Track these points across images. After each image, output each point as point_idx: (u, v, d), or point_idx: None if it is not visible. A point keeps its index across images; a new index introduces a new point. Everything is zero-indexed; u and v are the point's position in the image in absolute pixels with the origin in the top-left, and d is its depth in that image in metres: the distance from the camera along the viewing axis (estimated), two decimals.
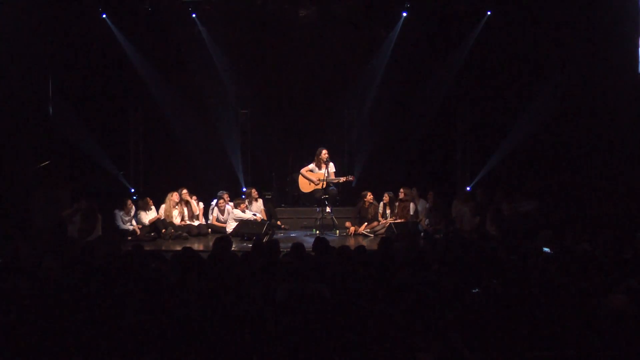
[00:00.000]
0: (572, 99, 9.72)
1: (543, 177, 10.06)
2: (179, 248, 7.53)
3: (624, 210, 8.50)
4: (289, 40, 10.97)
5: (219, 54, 11.00)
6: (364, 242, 8.47)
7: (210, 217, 9.77)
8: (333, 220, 9.34)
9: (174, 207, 9.33)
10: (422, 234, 8.98)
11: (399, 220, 9.28)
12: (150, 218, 9.22)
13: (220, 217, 9.61)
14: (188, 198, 9.58)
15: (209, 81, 10.97)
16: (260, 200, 9.99)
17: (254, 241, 7.78)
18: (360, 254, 5.19)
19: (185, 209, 9.53)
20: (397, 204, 9.52)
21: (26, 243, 6.60)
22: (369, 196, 9.50)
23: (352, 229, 9.38)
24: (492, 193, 9.43)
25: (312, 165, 9.52)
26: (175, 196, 9.35)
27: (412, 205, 9.44)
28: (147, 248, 6.21)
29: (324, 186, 9.26)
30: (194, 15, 10.62)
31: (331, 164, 9.44)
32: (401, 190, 9.46)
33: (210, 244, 8.34)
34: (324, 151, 9.39)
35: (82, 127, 10.15)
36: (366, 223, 9.43)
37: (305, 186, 9.52)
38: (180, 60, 10.86)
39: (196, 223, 9.54)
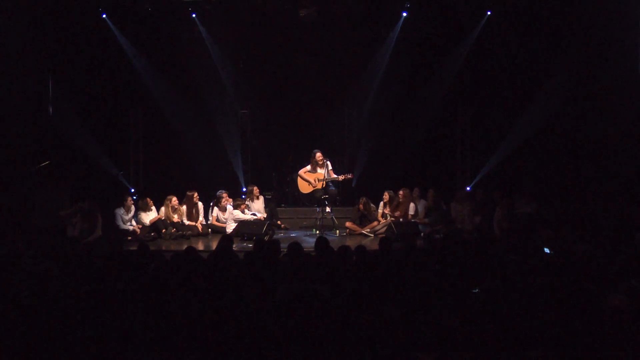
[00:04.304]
0: (572, 98, 9.72)
1: (543, 177, 10.05)
2: (179, 248, 7.53)
3: (623, 210, 8.50)
4: (289, 40, 10.97)
5: (219, 54, 11.01)
6: (364, 242, 8.46)
7: (210, 217, 9.76)
8: (333, 220, 9.33)
9: (173, 211, 9.30)
10: (422, 234, 8.97)
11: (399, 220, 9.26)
12: (151, 218, 9.21)
13: (221, 216, 9.58)
14: (197, 201, 9.58)
15: (209, 81, 10.97)
16: (261, 198, 9.99)
17: (255, 241, 7.77)
18: (360, 254, 5.18)
19: (194, 211, 9.52)
20: (396, 204, 9.50)
21: (26, 243, 6.59)
22: (361, 204, 9.31)
23: (352, 227, 9.35)
24: (492, 193, 9.43)
25: (309, 167, 9.50)
26: (174, 201, 9.32)
27: (412, 205, 9.41)
28: None
29: (324, 186, 9.25)
30: (194, 15, 10.62)
31: (328, 163, 9.39)
32: (400, 192, 9.43)
33: (211, 244, 8.38)
34: (318, 154, 9.35)
35: (82, 127, 10.16)
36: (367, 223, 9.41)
37: (304, 187, 9.50)
38: (180, 60, 10.87)
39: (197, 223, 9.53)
